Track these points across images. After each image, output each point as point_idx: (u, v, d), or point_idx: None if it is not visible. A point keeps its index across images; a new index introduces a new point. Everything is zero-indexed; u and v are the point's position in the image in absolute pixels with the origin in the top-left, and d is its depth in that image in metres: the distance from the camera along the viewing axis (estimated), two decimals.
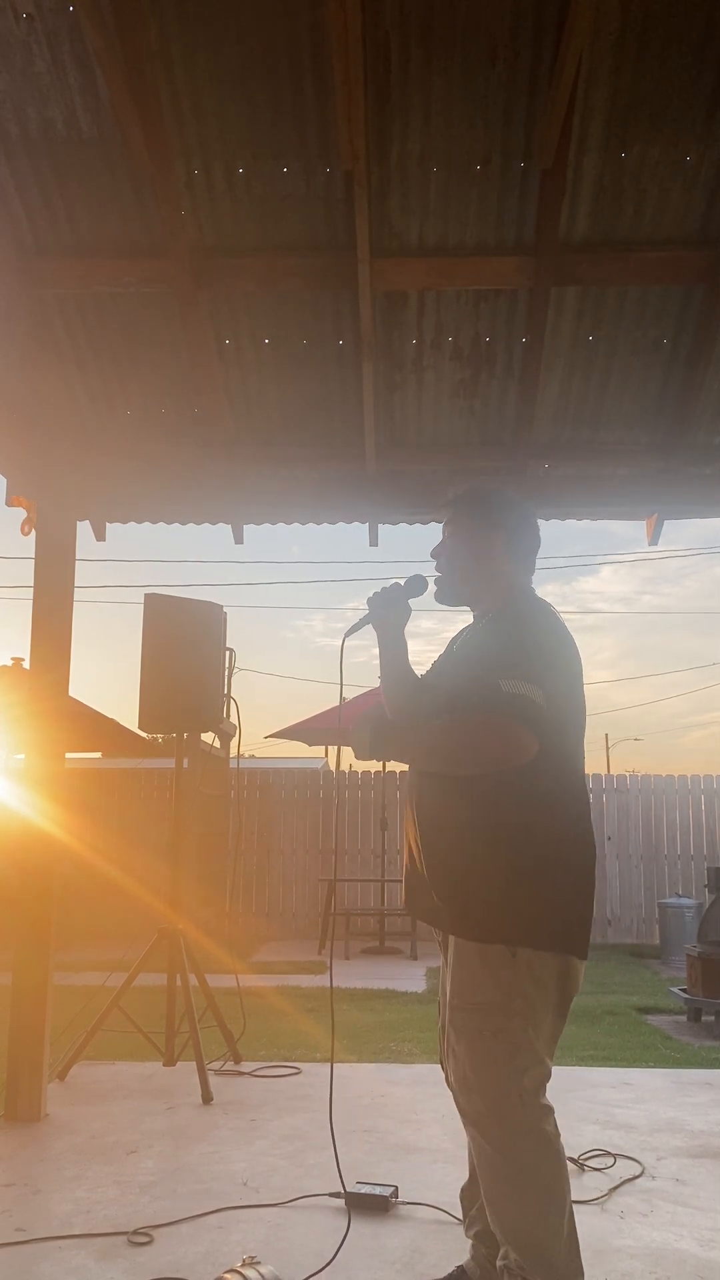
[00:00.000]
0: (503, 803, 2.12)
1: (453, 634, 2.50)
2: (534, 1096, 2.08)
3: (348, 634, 2.40)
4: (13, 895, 3.97)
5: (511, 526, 2.36)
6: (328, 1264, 2.55)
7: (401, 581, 2.42)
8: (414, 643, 2.56)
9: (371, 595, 2.40)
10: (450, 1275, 2.40)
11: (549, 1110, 2.11)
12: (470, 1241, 2.38)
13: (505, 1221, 2.08)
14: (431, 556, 2.42)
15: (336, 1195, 3.03)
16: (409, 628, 2.49)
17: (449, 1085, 2.28)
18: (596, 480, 4.31)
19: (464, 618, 2.48)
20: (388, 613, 2.40)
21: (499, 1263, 2.11)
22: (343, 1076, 4.54)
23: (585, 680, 2.28)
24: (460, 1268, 2.39)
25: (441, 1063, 2.40)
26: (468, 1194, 2.39)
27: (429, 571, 2.45)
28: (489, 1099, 2.09)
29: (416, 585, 2.41)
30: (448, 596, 2.40)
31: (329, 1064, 4.84)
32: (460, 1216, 2.86)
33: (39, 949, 3.95)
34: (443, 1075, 2.38)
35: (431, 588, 2.40)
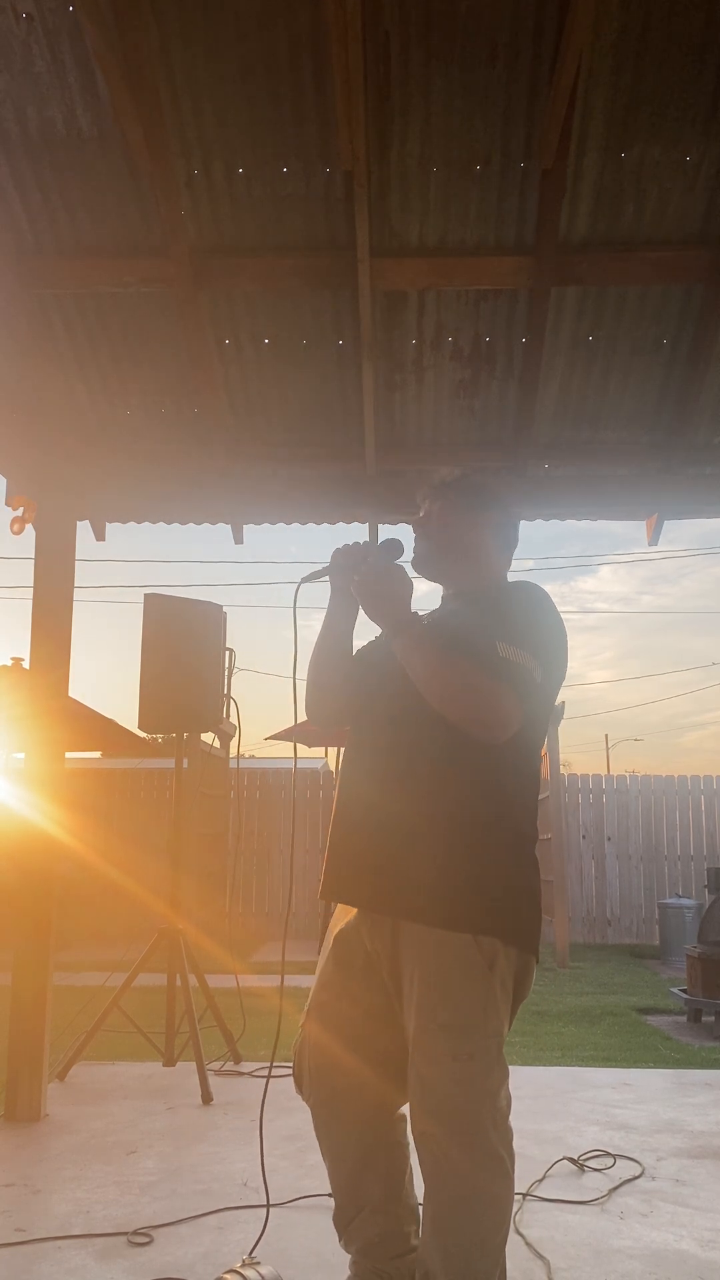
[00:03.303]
0: (504, 786, 2.05)
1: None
2: (505, 1118, 1.98)
3: (304, 580, 2.27)
4: (13, 895, 3.97)
5: (501, 519, 2.32)
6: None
7: (376, 543, 2.27)
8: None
9: (338, 548, 2.26)
10: None
11: (511, 1133, 2.00)
12: (352, 1257, 2.21)
13: (452, 1248, 1.93)
14: (416, 526, 2.32)
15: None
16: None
17: (308, 1095, 2.16)
18: (596, 480, 4.31)
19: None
20: (351, 570, 2.21)
21: None
22: None
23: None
24: None
25: (297, 1075, 2.18)
26: (345, 1209, 2.19)
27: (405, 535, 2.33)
28: (462, 1124, 1.93)
29: (392, 549, 2.22)
30: (427, 568, 2.30)
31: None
32: None
33: (39, 949, 3.95)
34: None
35: (407, 556, 2.27)
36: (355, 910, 2.14)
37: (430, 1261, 1.95)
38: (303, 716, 2.37)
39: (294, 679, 2.27)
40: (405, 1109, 2.09)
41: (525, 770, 2.09)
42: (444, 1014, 1.94)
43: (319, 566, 2.28)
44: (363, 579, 2.11)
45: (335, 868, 2.14)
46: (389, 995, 2.07)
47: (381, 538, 2.33)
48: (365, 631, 2.47)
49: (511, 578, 2.33)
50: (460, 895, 1.97)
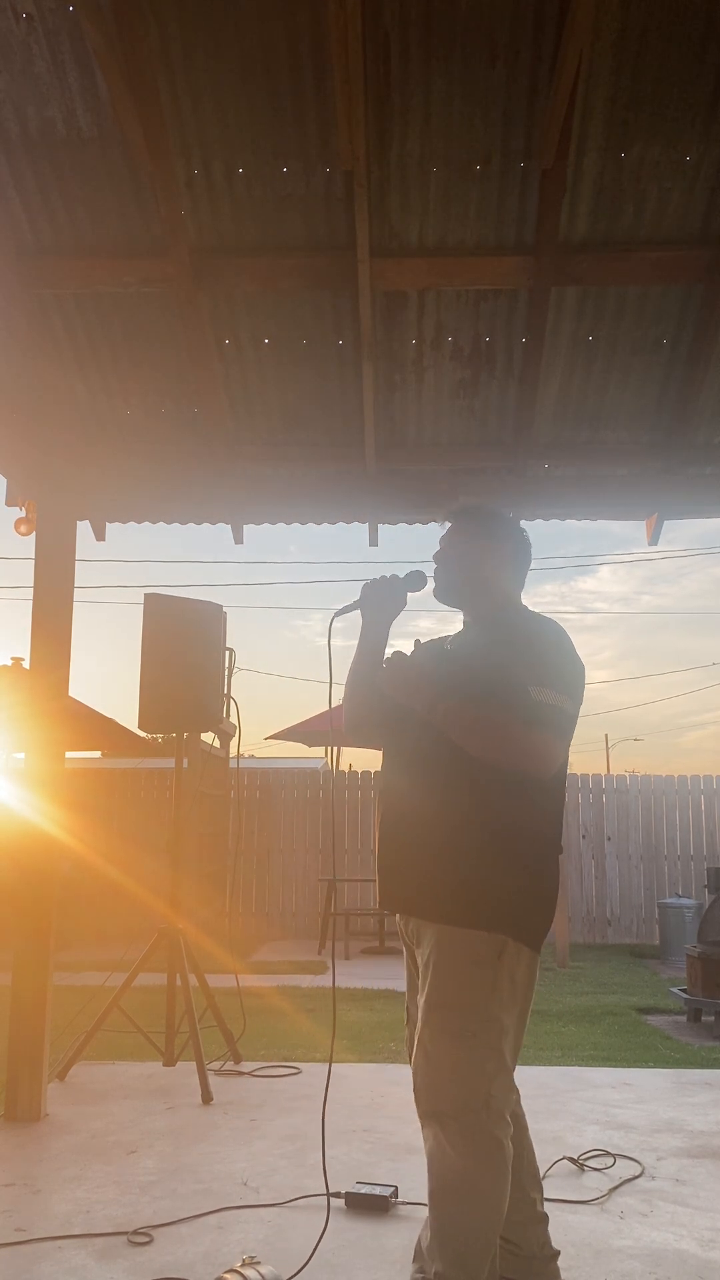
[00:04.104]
0: (506, 799, 2.19)
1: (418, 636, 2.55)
2: (499, 1104, 2.10)
3: (337, 615, 2.47)
4: (13, 895, 3.97)
5: (513, 547, 2.47)
6: (305, 1264, 2.55)
7: (400, 574, 2.47)
8: (410, 642, 2.58)
9: (367, 582, 2.46)
10: None
11: (509, 1126, 2.13)
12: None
13: (444, 1228, 2.07)
14: (434, 560, 2.50)
15: (337, 1195, 3.03)
16: (399, 623, 2.55)
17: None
18: (596, 480, 4.32)
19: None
20: (381, 602, 2.45)
21: (416, 1276, 2.12)
22: (342, 1076, 4.54)
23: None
24: None
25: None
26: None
27: (429, 569, 2.50)
28: (457, 1101, 2.09)
29: (415, 580, 2.46)
30: (447, 598, 2.48)
31: (330, 1064, 4.84)
32: None
33: (39, 949, 3.95)
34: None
35: (430, 585, 2.47)
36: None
37: (427, 1239, 2.10)
38: (340, 738, 2.53)
39: (329, 704, 2.49)
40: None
41: (550, 785, 2.24)
42: (451, 994, 2.11)
43: (350, 602, 2.48)
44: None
45: (379, 878, 2.35)
46: None
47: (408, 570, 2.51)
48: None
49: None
50: (472, 896, 2.14)
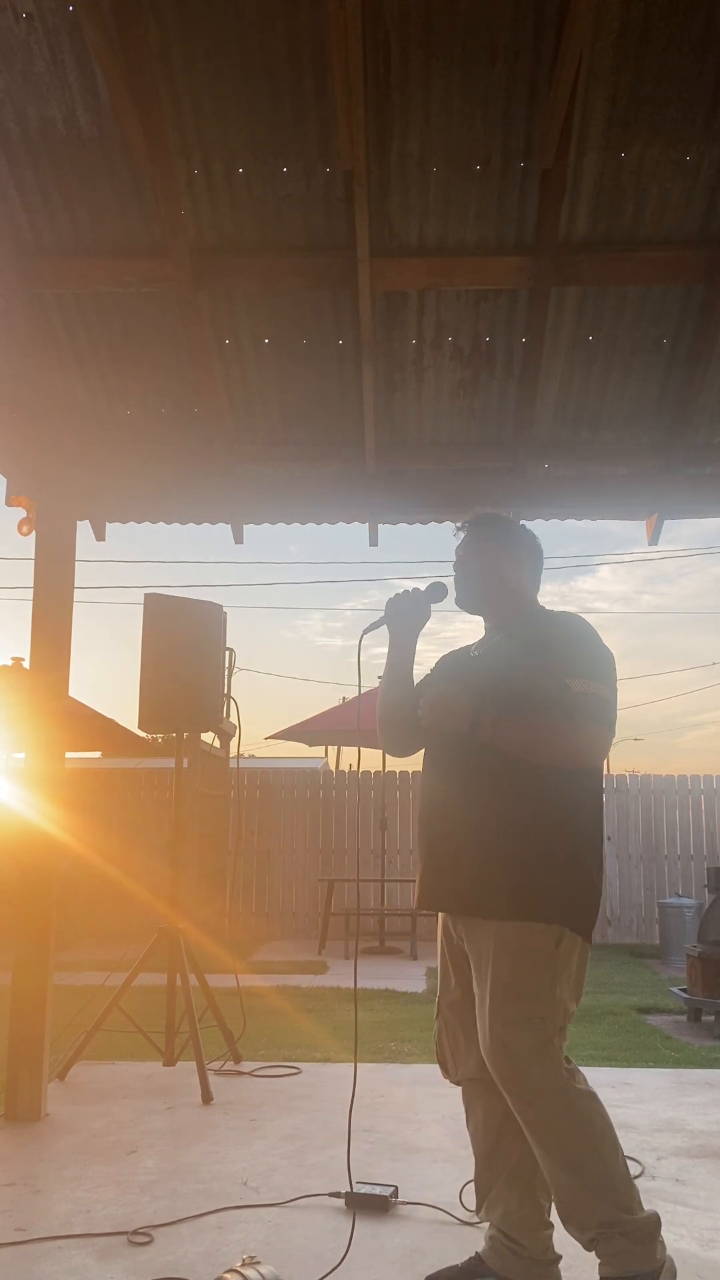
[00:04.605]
0: (555, 793, 2.29)
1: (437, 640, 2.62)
2: (575, 1069, 2.27)
3: (365, 631, 2.58)
4: (13, 895, 3.97)
5: (529, 552, 2.58)
6: (336, 1266, 2.55)
7: (421, 587, 2.57)
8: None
9: (391, 597, 2.58)
10: (467, 1262, 2.44)
11: (584, 1077, 2.29)
12: (489, 1230, 2.43)
13: (589, 1188, 2.19)
14: (453, 569, 2.60)
15: (336, 1195, 3.03)
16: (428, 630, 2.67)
17: (452, 1077, 2.48)
18: (596, 480, 4.31)
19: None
20: (406, 615, 2.55)
21: (593, 1234, 2.21)
22: (342, 1076, 4.54)
23: None
24: (477, 1254, 2.44)
25: (441, 1061, 2.51)
26: (482, 1180, 2.45)
27: (448, 578, 2.61)
28: (543, 1082, 2.20)
29: (436, 591, 2.56)
30: (468, 605, 2.59)
31: (329, 1064, 4.85)
32: (459, 1217, 2.88)
33: (39, 949, 3.95)
34: (440, 1075, 2.52)
35: (451, 594, 2.57)
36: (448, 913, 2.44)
37: (574, 1213, 2.21)
38: (369, 755, 2.62)
39: (358, 723, 2.55)
40: None
41: (591, 776, 2.36)
42: (515, 984, 2.22)
43: (377, 619, 2.59)
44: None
45: (429, 881, 2.42)
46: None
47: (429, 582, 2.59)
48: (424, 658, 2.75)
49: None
50: (531, 890, 2.24)
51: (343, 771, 11.88)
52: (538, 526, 3.00)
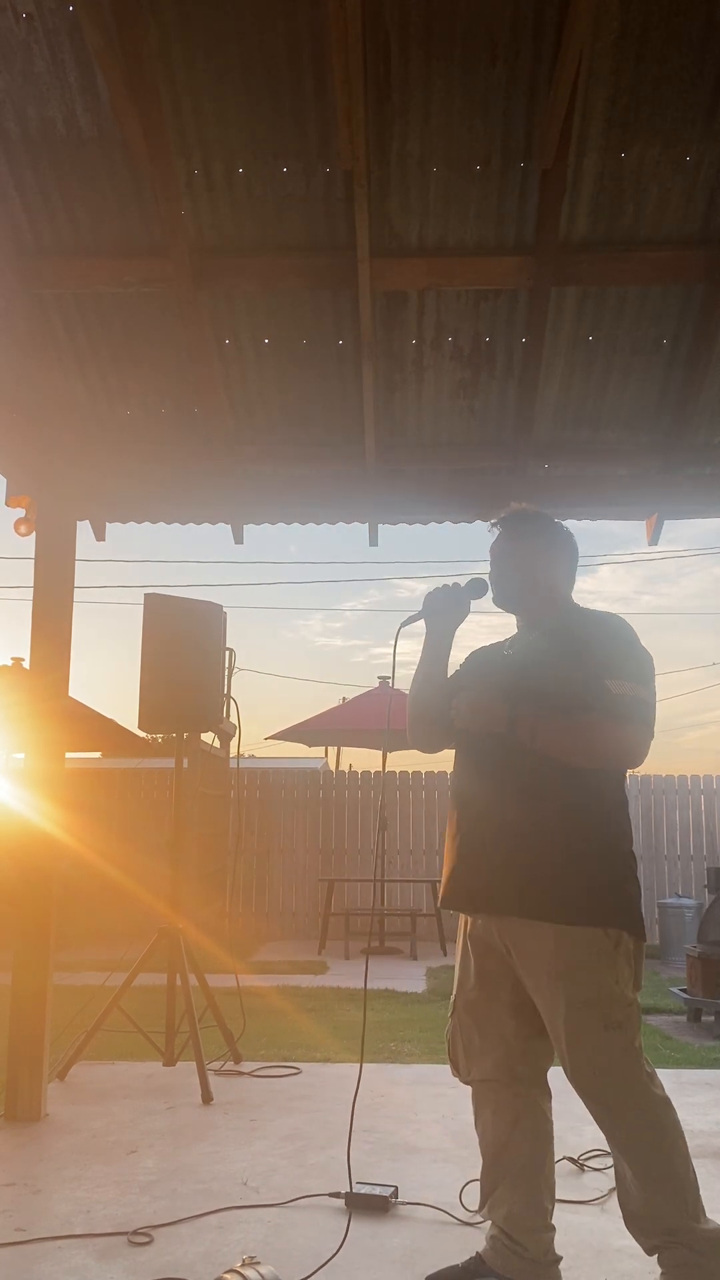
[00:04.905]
0: (595, 795, 2.30)
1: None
2: (651, 1068, 2.26)
3: (402, 625, 2.56)
4: (13, 895, 3.97)
5: (567, 552, 2.55)
6: (328, 1260, 2.55)
7: (461, 582, 2.53)
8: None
9: (430, 592, 2.54)
10: (468, 1262, 2.44)
11: (660, 1081, 2.28)
12: (490, 1230, 2.43)
13: (665, 1194, 2.20)
14: (491, 565, 2.55)
15: (336, 1195, 3.03)
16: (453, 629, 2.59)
17: (464, 1077, 2.46)
18: (596, 480, 4.31)
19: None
20: (444, 610, 2.53)
21: (657, 1241, 2.22)
22: (342, 1076, 4.54)
23: None
24: (478, 1254, 2.43)
25: (453, 1060, 2.49)
26: (487, 1181, 2.44)
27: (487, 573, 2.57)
28: (624, 1088, 2.21)
29: (477, 588, 2.53)
30: (506, 604, 2.55)
31: (329, 1064, 4.85)
32: (459, 1217, 2.88)
33: (39, 949, 3.95)
34: (439, 1074, 2.49)
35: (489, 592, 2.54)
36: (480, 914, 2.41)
37: (647, 1217, 2.22)
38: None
39: (388, 723, 2.55)
40: (545, 1094, 2.44)
41: (620, 777, 2.39)
42: (588, 993, 2.21)
43: (414, 612, 2.56)
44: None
45: (463, 880, 2.40)
46: (521, 989, 2.33)
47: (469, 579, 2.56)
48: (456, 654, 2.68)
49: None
50: (588, 895, 2.24)
51: (343, 771, 11.89)
52: None
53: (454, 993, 2.51)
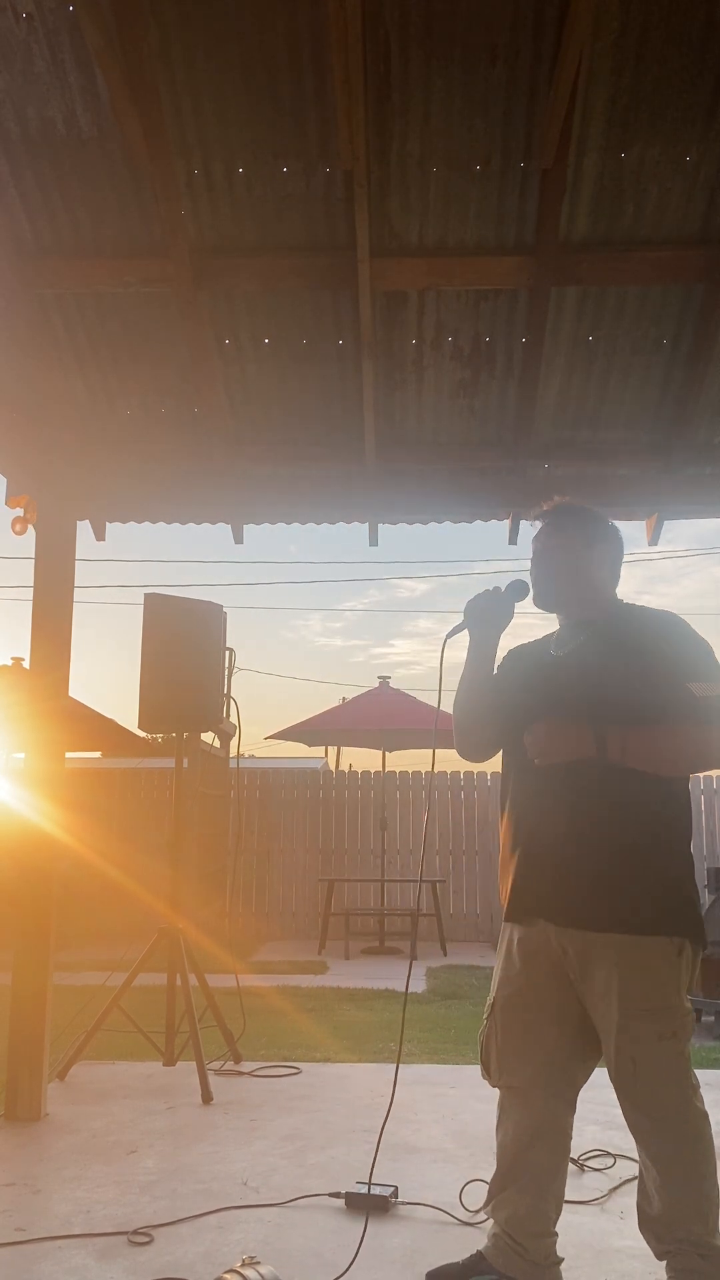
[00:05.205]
0: (676, 798, 2.28)
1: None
2: (698, 1084, 2.26)
3: (448, 637, 2.48)
4: (13, 895, 3.97)
5: (613, 548, 2.46)
6: (344, 1273, 2.55)
7: (501, 587, 2.45)
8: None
9: (471, 599, 2.45)
10: (469, 1260, 2.43)
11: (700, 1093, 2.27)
12: (493, 1229, 2.41)
13: (692, 1201, 2.18)
14: (534, 562, 2.46)
15: (336, 1195, 3.03)
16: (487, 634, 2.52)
17: (493, 1080, 2.41)
18: (596, 480, 4.31)
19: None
20: (488, 617, 2.45)
21: (670, 1247, 2.19)
22: (343, 1076, 4.54)
23: None
24: (479, 1253, 2.42)
25: (485, 1062, 2.44)
26: (497, 1182, 2.41)
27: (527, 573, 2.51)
28: (673, 1099, 2.19)
29: (519, 590, 2.44)
30: (548, 603, 2.46)
31: (329, 1064, 4.85)
32: (459, 1217, 2.88)
33: (39, 949, 3.95)
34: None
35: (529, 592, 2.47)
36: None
37: (678, 1223, 2.18)
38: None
39: (435, 728, 2.50)
40: (571, 1110, 2.41)
41: (687, 780, 2.35)
42: (647, 1002, 2.19)
43: (458, 623, 2.48)
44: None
45: (529, 888, 2.33)
46: (572, 996, 2.29)
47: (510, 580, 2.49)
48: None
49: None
50: (657, 904, 2.22)
51: (342, 771, 11.89)
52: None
53: (492, 995, 2.44)
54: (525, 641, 2.59)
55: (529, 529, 2.58)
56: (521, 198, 3.40)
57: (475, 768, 12.37)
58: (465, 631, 2.49)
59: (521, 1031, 2.35)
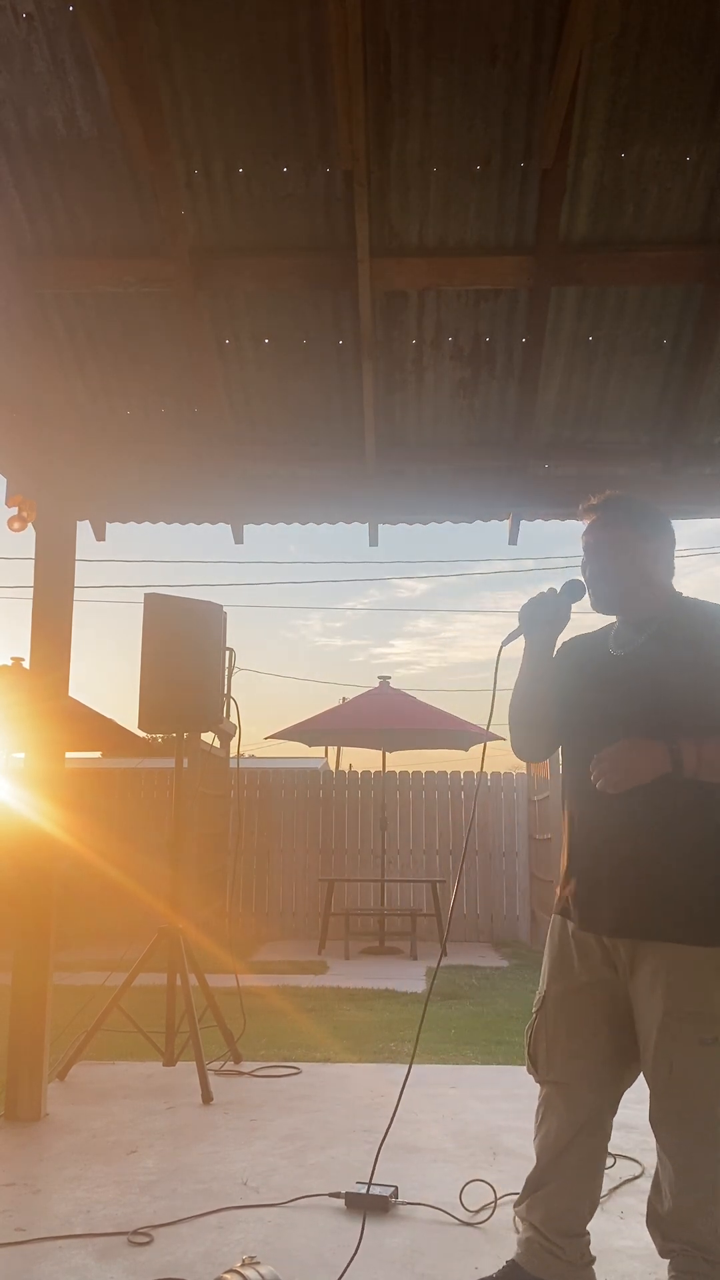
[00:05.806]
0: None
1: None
2: None
3: (504, 644, 2.41)
4: (13, 895, 3.97)
5: (668, 541, 2.39)
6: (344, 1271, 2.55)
7: (556, 588, 2.39)
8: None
9: (525, 603, 2.39)
10: (503, 1270, 2.38)
11: None
12: (524, 1233, 2.36)
13: (705, 1205, 2.18)
14: (585, 562, 2.40)
15: (336, 1195, 3.03)
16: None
17: (540, 1076, 2.38)
18: (596, 480, 4.30)
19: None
20: (544, 620, 2.38)
21: (675, 1247, 2.19)
22: (343, 1076, 4.55)
23: None
24: (512, 1261, 2.37)
25: (532, 1056, 2.41)
26: (534, 1179, 2.37)
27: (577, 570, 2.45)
28: (706, 1104, 2.18)
29: (574, 590, 2.37)
30: (605, 604, 2.39)
31: (329, 1064, 4.85)
32: (459, 1217, 2.88)
33: (39, 949, 3.95)
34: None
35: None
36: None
37: (692, 1215, 2.18)
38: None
39: (488, 730, 2.50)
40: (613, 1111, 2.39)
41: None
42: (691, 1005, 2.17)
43: (514, 629, 2.40)
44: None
45: (592, 898, 2.30)
46: (623, 993, 2.27)
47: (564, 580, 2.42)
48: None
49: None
50: (711, 915, 2.19)
51: (342, 771, 11.89)
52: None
53: (542, 989, 2.40)
54: (581, 634, 2.52)
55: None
56: (521, 198, 3.40)
57: (475, 768, 12.36)
58: (521, 637, 2.43)
59: (574, 1027, 2.32)
